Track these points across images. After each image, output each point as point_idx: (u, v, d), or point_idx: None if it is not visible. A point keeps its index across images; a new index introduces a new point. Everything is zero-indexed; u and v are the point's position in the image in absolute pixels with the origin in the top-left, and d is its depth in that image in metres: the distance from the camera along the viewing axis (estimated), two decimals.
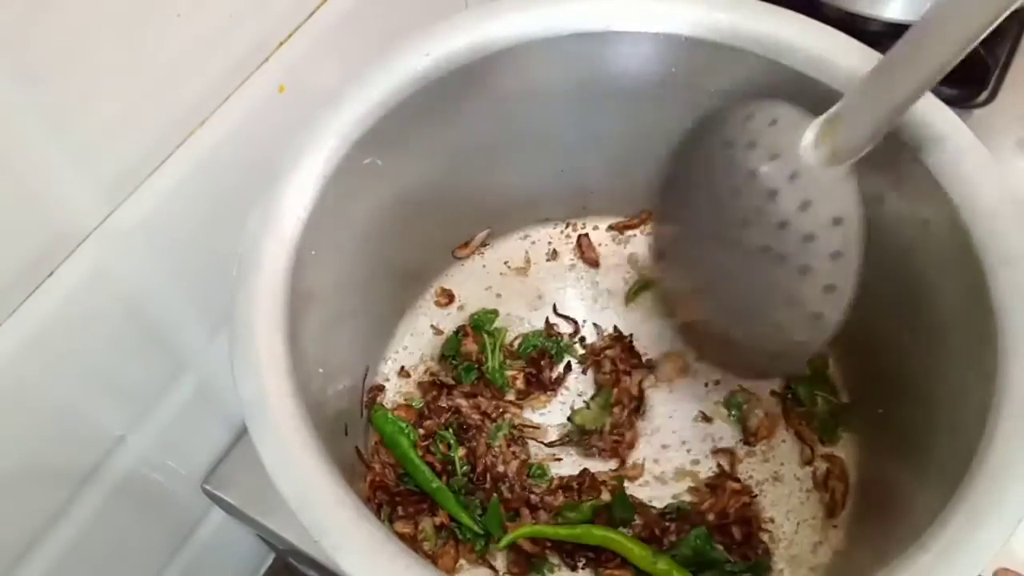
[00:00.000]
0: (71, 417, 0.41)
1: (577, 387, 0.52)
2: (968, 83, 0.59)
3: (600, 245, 0.57)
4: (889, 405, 0.47)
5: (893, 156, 0.41)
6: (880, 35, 0.58)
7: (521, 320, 0.54)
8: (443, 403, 0.50)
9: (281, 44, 0.43)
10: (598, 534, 0.46)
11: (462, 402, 0.50)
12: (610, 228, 0.57)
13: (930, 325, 0.41)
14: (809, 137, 0.38)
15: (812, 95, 0.42)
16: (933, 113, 0.40)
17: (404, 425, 0.48)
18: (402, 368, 0.52)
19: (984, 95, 0.59)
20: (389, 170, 0.43)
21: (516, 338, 0.53)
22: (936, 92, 0.40)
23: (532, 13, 0.43)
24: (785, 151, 0.38)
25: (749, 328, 0.43)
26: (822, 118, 0.38)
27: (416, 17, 0.44)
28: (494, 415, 0.50)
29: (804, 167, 0.38)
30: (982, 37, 0.34)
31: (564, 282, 0.56)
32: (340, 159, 0.40)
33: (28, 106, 0.32)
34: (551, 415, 0.51)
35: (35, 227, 0.35)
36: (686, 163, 0.44)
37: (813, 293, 0.38)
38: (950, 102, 0.40)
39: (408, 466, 0.47)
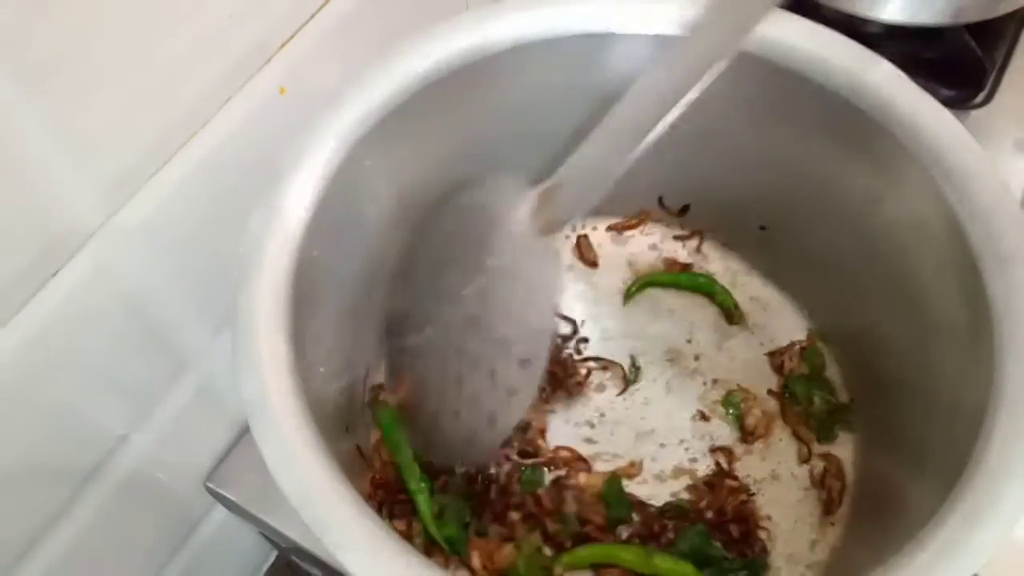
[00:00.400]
0: (73, 416, 0.41)
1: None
2: (965, 84, 0.59)
3: (599, 246, 0.57)
4: (886, 404, 0.47)
5: (888, 157, 0.41)
6: (878, 36, 0.58)
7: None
8: None
9: (282, 46, 0.43)
10: (583, 554, 0.46)
11: None
12: (609, 229, 0.57)
13: (927, 325, 0.42)
14: (525, 210, 0.39)
15: (811, 96, 0.42)
16: (930, 114, 0.40)
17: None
18: None
19: (981, 96, 0.59)
20: (390, 170, 0.43)
21: None
22: (934, 93, 0.40)
23: (533, 15, 0.43)
24: (498, 223, 0.40)
25: (456, 411, 0.43)
26: (538, 190, 0.39)
27: (417, 19, 0.44)
28: None
29: (516, 239, 0.39)
30: (674, 112, 0.36)
31: (563, 282, 0.56)
32: (341, 160, 0.40)
33: (29, 106, 0.32)
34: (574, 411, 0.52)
35: (37, 227, 0.35)
36: (416, 252, 0.45)
37: (508, 368, 0.40)
38: (947, 103, 0.40)
39: (401, 463, 0.48)
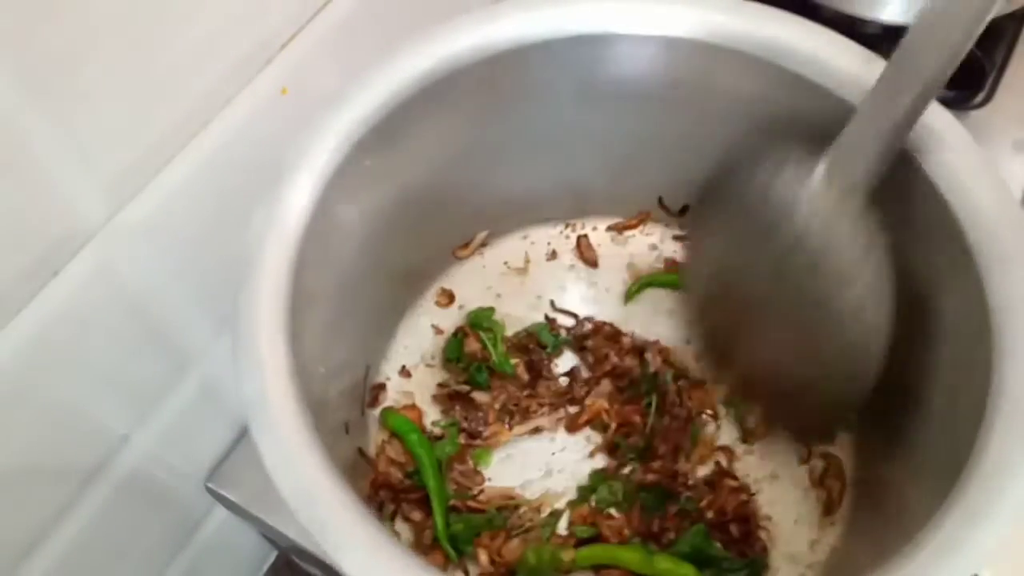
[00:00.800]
0: (74, 416, 0.42)
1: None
2: (965, 85, 0.59)
3: (599, 246, 0.57)
4: (886, 404, 0.47)
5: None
6: (878, 37, 0.58)
7: (520, 320, 0.54)
8: (466, 413, 0.50)
9: (284, 46, 0.43)
10: (585, 555, 0.46)
11: (483, 399, 0.50)
12: (609, 229, 0.57)
13: (927, 326, 0.42)
14: (820, 175, 0.38)
15: (811, 98, 0.42)
16: (930, 115, 0.40)
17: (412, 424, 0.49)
18: (403, 367, 0.53)
19: (981, 96, 0.59)
20: (391, 170, 0.43)
21: (518, 333, 0.53)
22: None
23: (534, 15, 0.43)
24: (798, 196, 0.38)
25: (800, 377, 0.42)
26: (828, 153, 0.38)
27: (418, 19, 0.44)
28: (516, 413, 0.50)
29: (819, 209, 0.38)
30: (971, 43, 0.34)
31: (563, 282, 0.56)
32: (342, 159, 0.40)
33: (32, 107, 0.32)
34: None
35: (40, 227, 0.35)
36: (710, 219, 0.45)
37: (853, 331, 0.38)
38: (947, 104, 0.40)
39: (421, 459, 0.48)
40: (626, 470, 0.49)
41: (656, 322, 0.54)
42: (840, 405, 0.43)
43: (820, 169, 0.38)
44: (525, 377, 0.52)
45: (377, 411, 0.51)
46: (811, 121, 0.44)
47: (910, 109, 0.35)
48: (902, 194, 0.42)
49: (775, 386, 0.45)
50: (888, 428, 0.47)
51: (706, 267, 0.47)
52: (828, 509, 0.48)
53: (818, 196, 0.38)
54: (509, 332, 0.53)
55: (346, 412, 0.46)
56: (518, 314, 0.54)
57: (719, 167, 0.43)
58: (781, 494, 0.49)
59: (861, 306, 0.38)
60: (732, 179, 0.42)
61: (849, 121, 0.37)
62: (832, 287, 0.38)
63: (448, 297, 0.55)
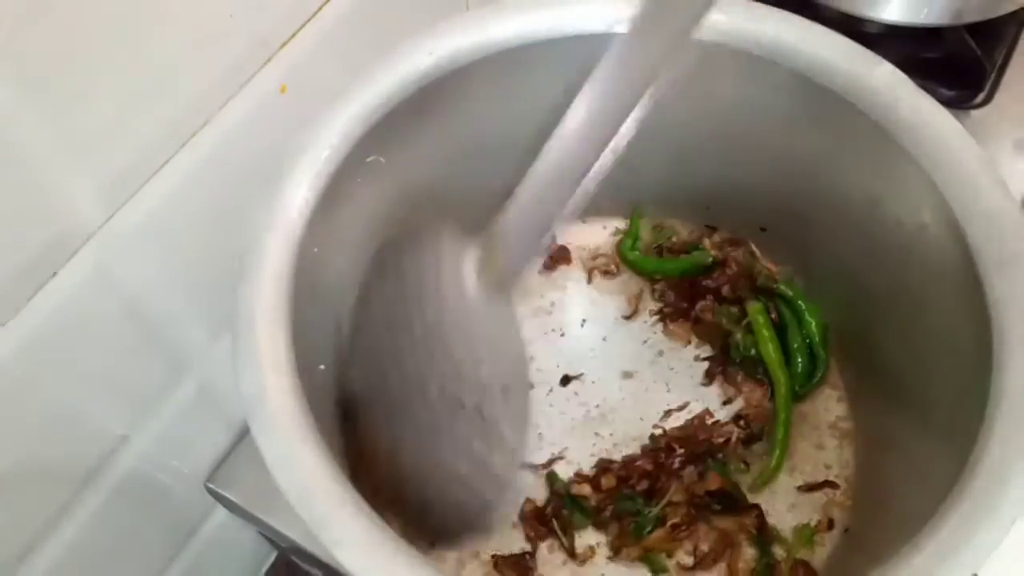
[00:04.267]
0: (73, 417, 0.41)
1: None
2: (965, 84, 0.59)
3: (600, 246, 0.57)
4: (886, 406, 0.47)
5: (889, 159, 0.41)
6: (878, 36, 0.58)
7: (520, 320, 0.54)
8: None
9: (283, 45, 0.43)
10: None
11: None
12: (610, 229, 0.57)
13: (927, 328, 0.42)
14: (470, 268, 0.37)
15: (811, 97, 0.42)
16: (929, 115, 0.40)
17: None
18: None
19: (981, 96, 0.59)
20: (391, 168, 0.43)
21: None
22: (933, 93, 0.40)
23: (535, 14, 0.43)
24: (449, 290, 0.37)
25: (440, 485, 0.40)
26: (478, 246, 0.37)
27: (418, 18, 0.44)
28: None
29: (468, 304, 0.37)
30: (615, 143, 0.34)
31: (564, 282, 0.56)
32: (343, 157, 0.40)
33: (29, 107, 0.32)
34: None
35: (36, 228, 0.35)
36: (367, 316, 0.42)
37: (488, 435, 0.37)
38: (947, 103, 0.40)
39: None
40: None
41: (656, 321, 0.54)
42: (475, 519, 0.41)
43: (470, 261, 0.37)
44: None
45: None
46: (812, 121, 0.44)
47: (556, 207, 0.35)
48: (902, 195, 0.42)
49: (419, 496, 0.41)
50: (889, 430, 0.47)
51: (368, 361, 0.43)
52: (827, 512, 0.48)
53: (469, 290, 0.37)
54: None
55: (346, 409, 0.46)
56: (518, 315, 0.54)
57: (377, 250, 0.42)
58: (780, 495, 0.49)
59: (496, 408, 0.37)
60: (388, 275, 0.41)
61: (499, 218, 0.36)
62: (471, 388, 0.37)
63: None
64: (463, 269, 0.37)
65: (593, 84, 0.33)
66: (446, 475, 0.39)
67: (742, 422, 0.50)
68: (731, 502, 0.47)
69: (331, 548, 0.31)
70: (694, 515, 0.47)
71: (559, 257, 0.56)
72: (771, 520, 0.48)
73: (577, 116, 0.33)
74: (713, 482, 0.47)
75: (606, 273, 0.56)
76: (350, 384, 0.42)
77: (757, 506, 0.47)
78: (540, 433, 0.51)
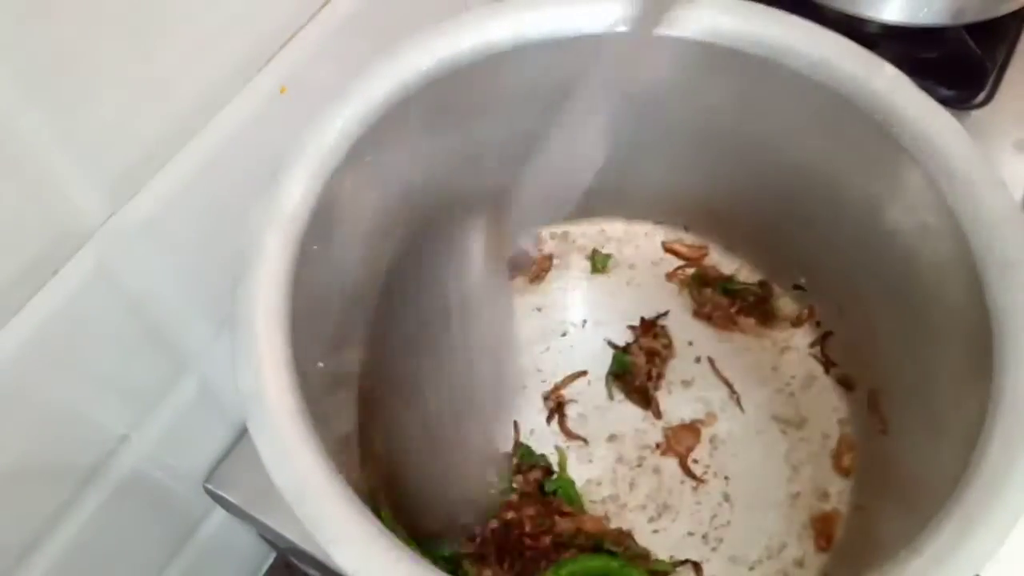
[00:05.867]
0: (73, 416, 0.41)
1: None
2: (965, 84, 0.59)
3: (601, 246, 0.57)
4: (887, 408, 0.47)
5: (891, 161, 0.41)
6: (878, 37, 0.58)
7: (519, 319, 0.54)
8: None
9: (283, 45, 0.43)
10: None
11: None
12: (609, 230, 0.57)
13: (928, 330, 0.42)
14: (477, 241, 0.38)
15: (813, 98, 0.42)
16: (930, 116, 0.40)
17: None
18: None
19: (982, 96, 0.59)
20: (391, 168, 0.43)
21: None
22: (933, 93, 0.40)
23: (536, 14, 0.43)
24: (454, 256, 0.38)
25: (438, 481, 0.40)
26: (483, 219, 0.38)
27: (418, 19, 0.44)
28: None
29: (470, 275, 0.37)
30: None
31: (565, 282, 0.56)
32: (343, 155, 0.40)
33: (31, 106, 0.32)
34: None
35: (38, 227, 0.35)
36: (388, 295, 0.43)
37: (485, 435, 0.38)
38: (947, 103, 0.40)
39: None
40: None
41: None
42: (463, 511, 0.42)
43: (479, 231, 0.38)
44: None
45: None
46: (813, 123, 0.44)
47: (577, 175, 0.36)
48: (903, 197, 0.42)
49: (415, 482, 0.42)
50: (888, 432, 0.47)
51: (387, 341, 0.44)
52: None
53: (472, 262, 0.37)
54: None
55: (344, 407, 0.46)
56: (516, 315, 0.54)
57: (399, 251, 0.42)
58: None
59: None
60: (411, 254, 0.42)
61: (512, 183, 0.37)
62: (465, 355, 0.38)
63: None
64: (471, 247, 0.37)
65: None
66: (447, 470, 0.39)
67: None
68: None
69: (327, 547, 0.32)
70: None
71: (544, 266, 0.56)
72: None
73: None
74: None
75: (606, 273, 0.56)
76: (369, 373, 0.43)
77: None
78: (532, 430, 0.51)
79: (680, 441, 0.50)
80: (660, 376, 0.52)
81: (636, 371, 0.51)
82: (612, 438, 0.51)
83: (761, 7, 0.43)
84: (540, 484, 0.48)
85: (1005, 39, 0.61)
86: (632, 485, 0.49)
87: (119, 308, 0.41)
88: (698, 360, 0.53)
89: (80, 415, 0.42)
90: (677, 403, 0.52)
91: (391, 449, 0.42)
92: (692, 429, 0.51)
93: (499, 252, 0.37)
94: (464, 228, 0.38)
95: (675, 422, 0.51)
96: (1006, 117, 0.59)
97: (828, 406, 0.51)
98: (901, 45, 0.57)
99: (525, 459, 0.49)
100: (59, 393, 0.40)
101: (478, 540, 0.45)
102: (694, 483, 0.49)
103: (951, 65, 0.59)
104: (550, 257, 0.56)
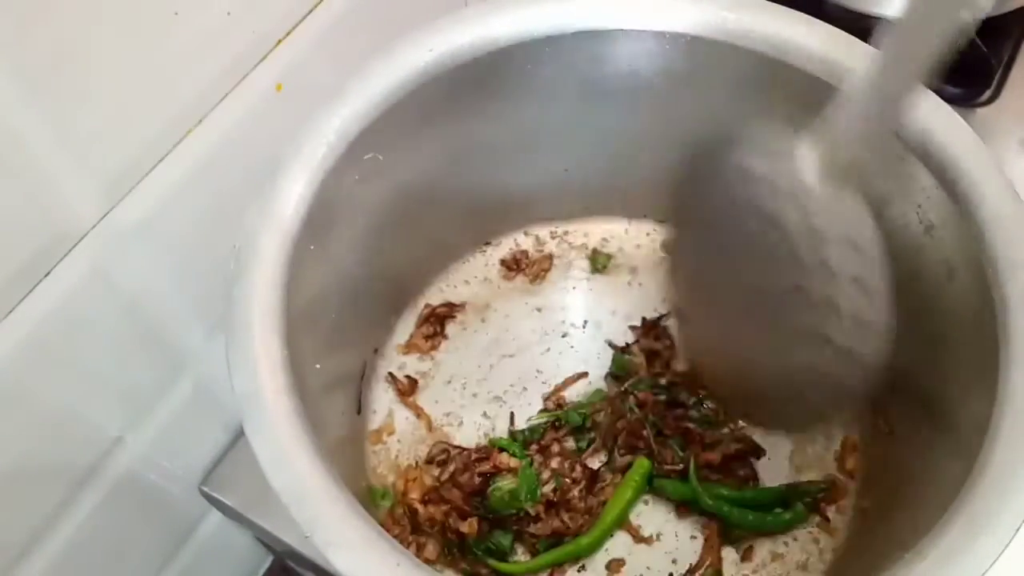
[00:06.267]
0: (68, 418, 0.41)
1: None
2: (971, 82, 0.58)
3: (601, 246, 0.56)
4: (891, 410, 0.47)
5: (896, 160, 0.40)
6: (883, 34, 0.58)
7: (517, 323, 0.54)
8: None
9: (279, 42, 0.43)
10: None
11: None
12: (610, 228, 0.57)
13: (934, 331, 0.41)
14: (805, 157, 0.36)
15: (817, 94, 0.42)
16: (936, 115, 0.40)
17: None
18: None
19: (987, 94, 0.58)
20: (389, 166, 0.43)
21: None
22: (939, 91, 0.40)
23: (536, 10, 0.43)
24: (783, 176, 0.36)
25: (782, 374, 0.40)
26: (813, 133, 0.36)
27: (415, 16, 0.44)
28: None
29: (805, 190, 0.36)
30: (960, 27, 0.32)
31: (565, 282, 0.55)
32: (340, 154, 0.40)
33: (26, 105, 0.32)
34: None
35: (32, 226, 0.35)
36: (691, 200, 0.43)
37: (840, 326, 0.36)
38: (953, 101, 0.40)
39: None
40: None
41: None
42: (825, 406, 0.41)
43: (806, 148, 0.36)
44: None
45: (374, 407, 0.50)
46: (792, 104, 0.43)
47: (896, 89, 0.33)
48: (909, 197, 0.41)
49: (757, 385, 0.43)
50: (893, 433, 0.46)
51: (692, 261, 0.45)
52: (828, 516, 0.47)
53: (804, 176, 0.36)
54: (509, 333, 0.53)
55: (342, 408, 0.46)
56: (517, 316, 0.54)
57: (693, 154, 0.41)
58: None
59: (845, 298, 0.35)
60: (709, 164, 0.40)
61: (835, 100, 0.35)
62: (814, 275, 0.36)
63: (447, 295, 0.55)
64: (796, 156, 0.36)
65: None
66: (801, 366, 0.38)
67: None
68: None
69: (323, 549, 0.31)
70: None
71: (544, 266, 0.56)
72: None
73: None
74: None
75: (606, 273, 0.56)
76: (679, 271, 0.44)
77: None
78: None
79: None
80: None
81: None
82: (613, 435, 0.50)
83: (762, 2, 0.43)
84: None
85: (1011, 36, 0.61)
86: None
87: (114, 309, 0.41)
88: None
89: (75, 416, 0.42)
90: None
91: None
92: None
93: (838, 165, 0.35)
94: (787, 145, 0.36)
95: None
96: (1012, 115, 0.58)
97: None
98: None
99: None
100: (53, 395, 0.40)
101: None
102: None
103: (956, 63, 0.58)
104: (550, 257, 0.56)
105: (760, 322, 0.40)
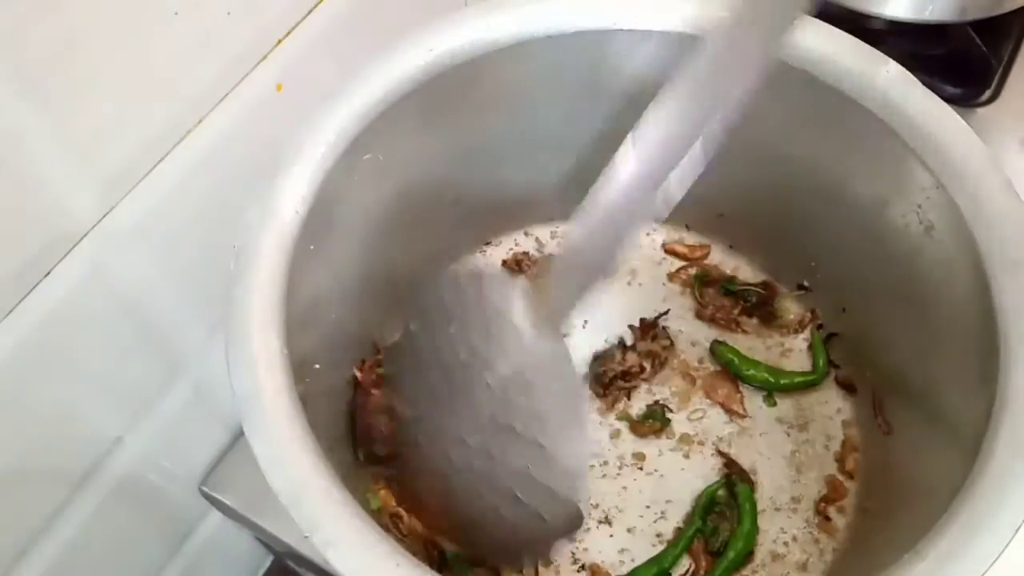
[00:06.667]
0: (68, 418, 0.41)
1: None
2: (971, 82, 0.59)
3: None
4: (891, 409, 0.47)
5: (895, 159, 0.40)
6: (883, 33, 0.58)
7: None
8: None
9: (279, 42, 0.42)
10: None
11: None
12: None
13: (933, 331, 0.41)
14: (519, 304, 0.36)
15: (817, 96, 0.42)
16: (935, 114, 0.40)
17: None
18: None
19: (987, 94, 0.58)
20: (389, 166, 0.43)
21: None
22: (939, 91, 0.40)
23: (536, 9, 0.43)
24: (497, 323, 0.37)
25: (495, 512, 0.40)
26: (528, 282, 0.37)
27: (414, 16, 0.44)
28: None
29: (516, 338, 0.36)
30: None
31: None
32: (340, 154, 0.39)
33: (25, 105, 0.32)
34: None
35: (32, 226, 0.35)
36: (414, 341, 0.42)
37: (548, 472, 0.37)
38: (953, 101, 0.40)
39: None
40: None
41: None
42: (535, 542, 0.41)
43: (520, 297, 0.36)
44: None
45: None
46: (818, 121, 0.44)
47: (610, 254, 0.33)
48: (908, 196, 0.41)
49: (471, 520, 0.42)
50: (893, 434, 0.46)
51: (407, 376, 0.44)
52: (827, 516, 0.47)
53: (517, 324, 0.36)
54: None
55: (342, 409, 0.46)
56: None
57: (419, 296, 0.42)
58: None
59: (554, 443, 0.36)
60: (434, 306, 0.41)
61: (552, 257, 0.35)
62: (524, 420, 0.37)
63: None
64: (512, 307, 0.36)
65: (672, 92, 0.31)
66: (502, 502, 0.39)
67: None
68: None
69: (323, 549, 0.31)
70: None
71: (544, 266, 0.55)
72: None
73: (649, 134, 0.32)
74: None
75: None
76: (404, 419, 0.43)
77: None
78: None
79: (715, 388, 0.51)
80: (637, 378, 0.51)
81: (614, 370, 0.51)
82: (615, 435, 0.50)
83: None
84: None
85: (1011, 36, 0.61)
86: (635, 482, 0.49)
87: (113, 309, 0.41)
88: (701, 362, 0.52)
89: (74, 417, 0.42)
90: None
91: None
92: (724, 375, 0.51)
93: (548, 315, 0.36)
94: (503, 294, 0.37)
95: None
96: (1011, 115, 0.58)
97: (832, 408, 0.51)
98: (906, 42, 0.57)
99: None
100: (53, 394, 0.40)
101: None
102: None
103: (956, 62, 0.58)
104: (550, 257, 0.56)
105: (475, 457, 0.40)
